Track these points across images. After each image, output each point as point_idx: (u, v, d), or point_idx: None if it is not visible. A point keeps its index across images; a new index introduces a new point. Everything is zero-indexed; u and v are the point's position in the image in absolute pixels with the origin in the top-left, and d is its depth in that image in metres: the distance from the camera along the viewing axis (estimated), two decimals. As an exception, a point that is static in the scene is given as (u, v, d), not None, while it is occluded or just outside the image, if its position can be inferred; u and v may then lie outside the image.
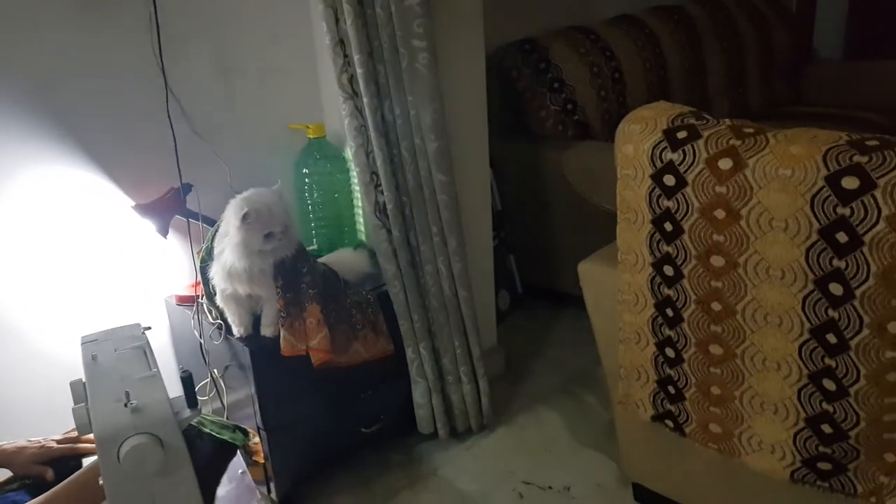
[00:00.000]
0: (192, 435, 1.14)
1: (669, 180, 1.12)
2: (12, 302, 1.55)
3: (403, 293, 1.68)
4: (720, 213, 1.07)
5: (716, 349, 1.18)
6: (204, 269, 1.55)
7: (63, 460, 1.26)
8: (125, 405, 1.02)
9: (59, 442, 1.28)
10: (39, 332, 1.59)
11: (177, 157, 1.60)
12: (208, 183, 1.65)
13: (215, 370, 1.64)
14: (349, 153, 1.70)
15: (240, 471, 1.39)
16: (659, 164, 1.12)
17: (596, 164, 2.23)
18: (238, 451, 1.27)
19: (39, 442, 1.27)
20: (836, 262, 0.97)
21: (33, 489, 1.19)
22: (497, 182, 2.35)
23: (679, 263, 1.16)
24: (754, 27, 3.16)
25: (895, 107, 2.97)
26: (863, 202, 0.93)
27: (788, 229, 1.00)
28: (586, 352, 2.08)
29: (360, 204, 1.81)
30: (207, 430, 1.20)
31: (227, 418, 1.61)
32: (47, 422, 1.38)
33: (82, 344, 1.22)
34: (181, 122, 1.63)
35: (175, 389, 1.11)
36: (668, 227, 1.14)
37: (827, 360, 1.04)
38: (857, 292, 0.97)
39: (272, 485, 1.62)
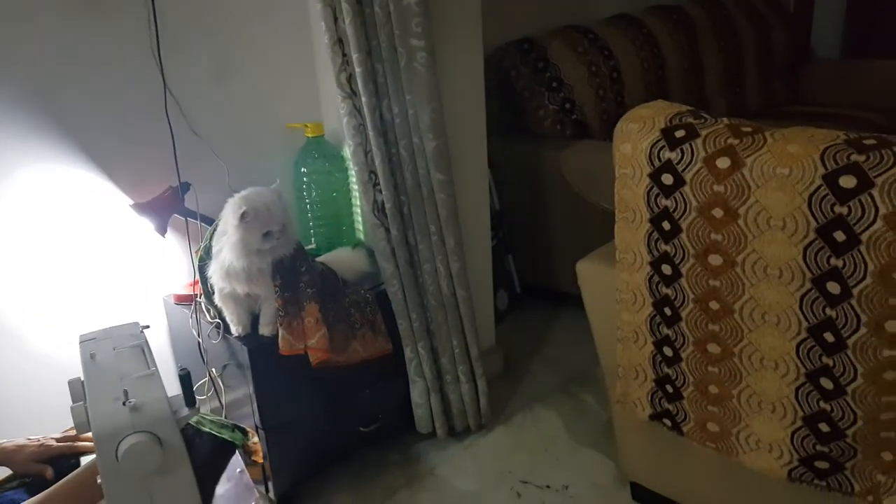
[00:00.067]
0: (191, 434, 1.14)
1: (667, 179, 1.12)
2: (11, 301, 1.55)
3: (402, 292, 1.68)
4: (718, 212, 1.07)
5: (714, 348, 1.18)
6: (202, 268, 1.55)
7: (62, 458, 1.26)
8: (123, 404, 1.02)
9: (58, 440, 1.28)
10: (38, 330, 1.59)
11: (175, 156, 1.60)
12: (207, 182, 1.65)
13: (213, 369, 1.64)
14: (347, 152, 1.70)
15: (238, 470, 1.39)
16: (657, 163, 1.13)
17: (594, 164, 2.23)
18: (237, 451, 1.28)
19: (39, 440, 1.27)
20: (833, 260, 0.98)
21: (33, 487, 1.19)
22: (495, 181, 2.35)
23: (677, 262, 1.16)
24: (752, 27, 3.17)
25: (893, 106, 2.98)
26: (860, 201, 0.93)
27: (786, 228, 1.01)
28: (584, 351, 2.09)
29: (358, 203, 1.81)
30: (207, 430, 1.20)
31: (226, 417, 1.61)
32: (46, 420, 1.38)
33: (80, 343, 1.22)
34: (180, 120, 1.63)
35: (174, 389, 1.11)
36: (666, 225, 1.15)
37: (824, 359, 1.04)
38: (855, 291, 0.97)
39: (270, 484, 1.62)
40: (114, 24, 1.54)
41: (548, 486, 1.69)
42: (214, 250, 1.49)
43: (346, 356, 1.58)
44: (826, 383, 1.06)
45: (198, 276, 1.59)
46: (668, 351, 1.25)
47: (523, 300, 2.55)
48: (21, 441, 1.26)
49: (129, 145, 1.62)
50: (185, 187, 1.62)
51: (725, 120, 1.12)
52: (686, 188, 1.10)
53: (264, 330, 1.53)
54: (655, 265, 1.19)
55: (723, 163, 1.05)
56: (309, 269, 1.54)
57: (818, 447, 1.11)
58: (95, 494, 1.06)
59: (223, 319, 1.55)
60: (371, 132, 1.57)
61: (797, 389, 1.10)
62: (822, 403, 1.08)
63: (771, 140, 1.03)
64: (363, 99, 1.54)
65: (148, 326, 1.31)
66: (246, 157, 1.77)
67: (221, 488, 1.29)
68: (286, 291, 1.50)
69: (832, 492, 1.14)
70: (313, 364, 1.51)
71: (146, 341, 1.23)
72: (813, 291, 1.01)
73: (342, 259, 1.74)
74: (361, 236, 1.86)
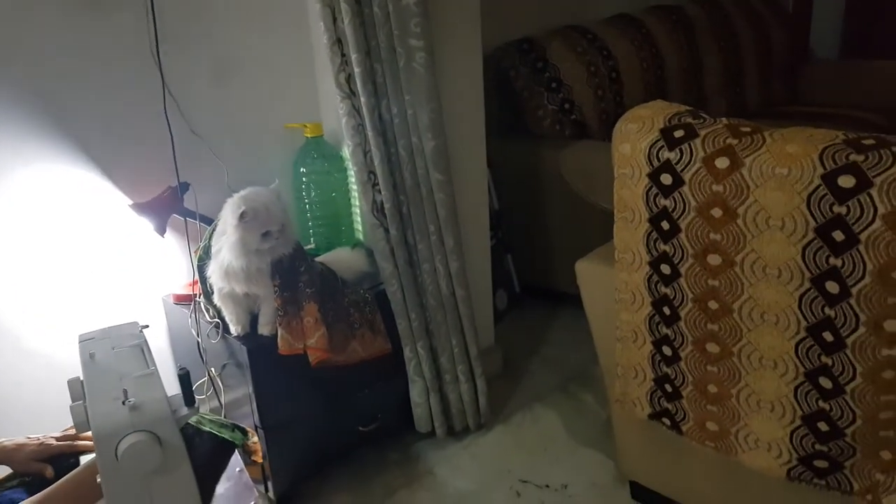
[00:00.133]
0: (191, 433, 1.15)
1: (666, 179, 1.12)
2: (10, 301, 1.55)
3: (401, 292, 1.68)
4: (717, 212, 1.07)
5: (712, 347, 1.18)
6: (201, 268, 1.55)
7: (62, 457, 1.26)
8: (123, 403, 1.02)
9: (58, 439, 1.28)
10: (37, 330, 1.59)
11: (174, 156, 1.60)
12: (206, 182, 1.65)
13: (213, 369, 1.64)
14: (346, 152, 1.70)
15: (237, 469, 1.40)
16: (656, 163, 1.13)
17: (593, 164, 2.23)
18: (237, 450, 1.28)
19: (39, 439, 1.27)
20: (832, 260, 0.98)
21: (32, 487, 1.19)
22: (494, 181, 2.35)
23: (676, 262, 1.16)
24: (751, 27, 3.17)
25: (892, 106, 2.98)
26: (859, 201, 0.93)
27: (785, 228, 1.01)
28: (583, 350, 2.09)
29: (357, 203, 1.81)
30: (207, 429, 1.20)
31: (225, 417, 1.61)
32: (46, 420, 1.38)
33: (80, 342, 1.22)
34: (179, 121, 1.63)
35: (173, 388, 1.11)
36: (665, 225, 1.15)
37: (823, 358, 1.05)
38: (854, 290, 0.97)
39: (270, 483, 1.62)
40: (114, 22, 1.54)
41: (547, 486, 1.69)
42: (213, 250, 1.49)
43: (346, 356, 1.58)
44: (825, 382, 1.06)
45: (197, 276, 1.59)
46: (667, 350, 1.25)
47: (522, 300, 2.55)
48: (21, 440, 1.26)
49: (128, 145, 1.62)
50: (184, 187, 1.62)
51: (724, 120, 1.12)
52: (685, 188, 1.10)
53: (263, 329, 1.53)
54: (654, 265, 1.20)
55: (722, 163, 1.05)
56: (308, 269, 1.54)
57: (817, 446, 1.11)
58: (95, 494, 1.06)
59: (222, 319, 1.55)
60: (370, 132, 1.57)
61: (796, 389, 1.10)
62: (821, 402, 1.08)
63: (770, 140, 1.03)
64: (362, 99, 1.54)
65: (147, 326, 1.31)
66: (245, 157, 1.77)
67: (221, 487, 1.29)
68: (285, 291, 1.50)
69: (831, 491, 1.14)
70: (312, 364, 1.51)
71: (145, 341, 1.24)
72: (812, 291, 1.02)
73: (341, 259, 1.74)
74: (360, 236, 1.86)
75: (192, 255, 1.63)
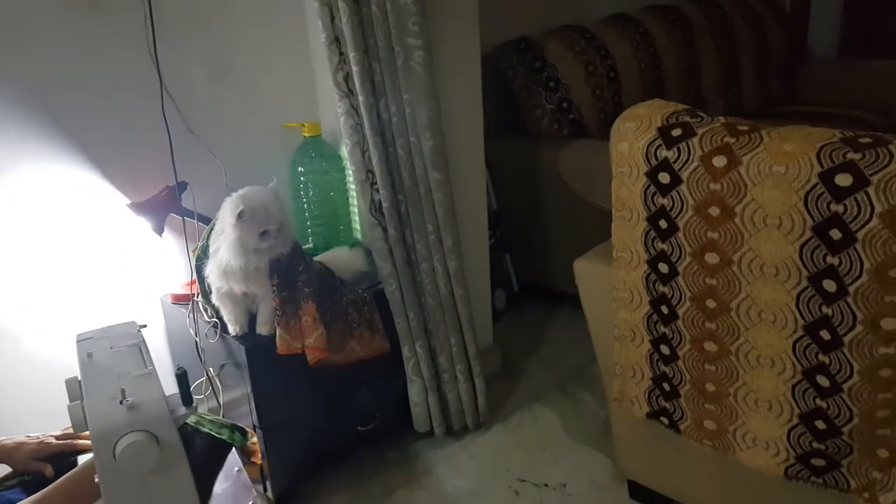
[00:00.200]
0: (189, 432, 1.15)
1: (664, 178, 1.12)
2: (9, 301, 1.55)
3: (399, 291, 1.68)
4: (714, 211, 1.07)
5: (710, 346, 1.18)
6: (199, 268, 1.55)
7: (62, 456, 1.26)
8: (121, 403, 1.02)
9: (58, 438, 1.28)
10: (36, 330, 1.59)
11: (172, 156, 1.60)
12: (204, 181, 1.65)
13: (211, 369, 1.64)
14: (345, 151, 1.70)
15: (236, 469, 1.39)
16: (654, 162, 1.13)
17: (591, 163, 2.23)
18: (234, 450, 1.28)
19: (38, 438, 1.27)
20: (829, 258, 0.98)
21: (31, 486, 1.19)
22: (493, 181, 2.36)
23: (674, 261, 1.16)
24: (749, 26, 3.17)
25: (889, 105, 2.99)
26: (856, 199, 0.93)
27: (782, 226, 1.01)
28: (582, 350, 2.10)
29: (355, 202, 1.81)
30: (206, 430, 1.20)
31: (224, 417, 1.61)
32: (45, 419, 1.38)
33: (78, 342, 1.22)
34: (176, 120, 1.63)
35: (171, 388, 1.11)
36: (663, 224, 1.15)
37: (820, 357, 1.05)
38: (851, 289, 0.97)
39: (268, 483, 1.62)
40: (112, 21, 1.54)
41: (546, 485, 1.69)
42: (211, 249, 1.49)
43: (344, 355, 1.58)
44: (822, 381, 1.06)
45: (195, 276, 1.59)
46: (665, 349, 1.25)
47: (521, 299, 2.55)
48: (20, 438, 1.26)
49: (125, 144, 1.62)
50: (182, 186, 1.62)
51: (722, 119, 1.12)
52: (683, 187, 1.10)
53: (262, 329, 1.53)
54: (652, 263, 1.20)
55: (719, 161, 1.05)
56: (306, 269, 1.54)
57: (814, 444, 1.11)
58: (93, 493, 1.06)
59: (220, 319, 1.55)
60: (368, 131, 1.57)
61: (793, 387, 1.10)
62: (818, 401, 1.08)
63: (767, 138, 1.03)
64: (360, 98, 1.54)
65: (145, 326, 1.31)
66: (243, 157, 1.77)
67: (219, 487, 1.29)
68: (283, 290, 1.50)
69: (828, 489, 1.14)
70: (311, 363, 1.51)
71: (143, 341, 1.24)
72: (809, 289, 1.02)
73: (339, 258, 1.74)
74: (359, 235, 1.86)
75: (191, 254, 1.63)
